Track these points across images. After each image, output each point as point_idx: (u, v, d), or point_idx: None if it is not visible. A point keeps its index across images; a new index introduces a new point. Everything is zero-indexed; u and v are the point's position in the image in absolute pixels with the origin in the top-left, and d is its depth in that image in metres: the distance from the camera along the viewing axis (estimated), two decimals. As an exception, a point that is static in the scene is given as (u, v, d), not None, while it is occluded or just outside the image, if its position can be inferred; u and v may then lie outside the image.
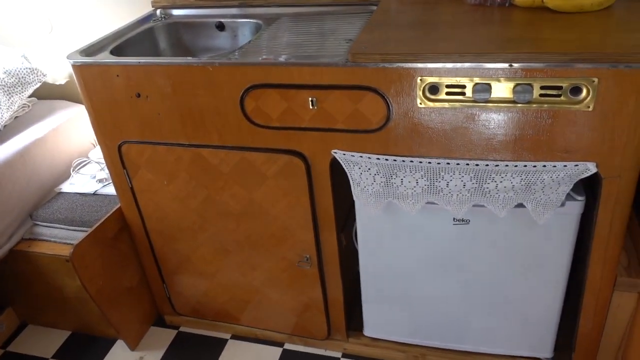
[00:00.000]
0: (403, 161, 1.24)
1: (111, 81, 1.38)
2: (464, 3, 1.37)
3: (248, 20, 1.64)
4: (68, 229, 1.67)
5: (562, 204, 1.22)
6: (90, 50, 1.47)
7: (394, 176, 1.27)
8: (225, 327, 1.82)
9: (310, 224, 1.43)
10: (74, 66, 1.39)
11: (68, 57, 1.40)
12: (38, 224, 1.74)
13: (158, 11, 1.76)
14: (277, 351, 1.74)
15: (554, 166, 1.15)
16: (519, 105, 1.10)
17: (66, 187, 1.85)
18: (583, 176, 1.14)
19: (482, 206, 1.25)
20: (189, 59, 1.31)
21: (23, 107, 2.04)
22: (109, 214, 1.61)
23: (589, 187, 1.25)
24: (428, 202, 1.28)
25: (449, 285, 1.46)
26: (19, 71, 1.94)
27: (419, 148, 1.22)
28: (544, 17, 1.22)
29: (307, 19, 1.57)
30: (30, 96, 2.05)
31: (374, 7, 1.53)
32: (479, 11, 1.31)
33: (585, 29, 1.12)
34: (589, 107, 1.07)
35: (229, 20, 1.67)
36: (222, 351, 1.76)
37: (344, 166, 1.30)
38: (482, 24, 1.24)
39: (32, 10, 2.04)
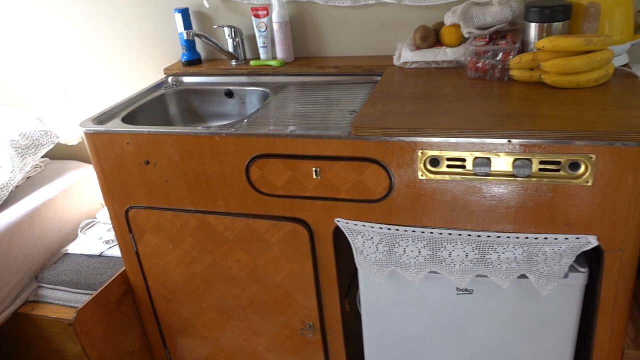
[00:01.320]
0: (405, 231, 1.25)
1: (121, 148, 1.42)
2: (464, 77, 1.42)
3: (256, 88, 1.70)
4: (72, 292, 1.67)
5: (566, 276, 1.21)
6: (103, 117, 1.52)
7: (396, 245, 1.27)
8: (227, 393, 1.79)
9: (313, 290, 1.43)
10: (87, 134, 1.44)
11: (81, 125, 1.45)
12: (43, 286, 1.75)
13: (169, 78, 1.82)
14: (279, 420, 1.70)
15: (555, 238, 1.15)
16: (519, 179, 1.12)
17: (73, 247, 1.86)
18: (584, 249, 1.15)
19: (485, 276, 1.25)
20: (198, 129, 1.35)
21: (35, 167, 2.08)
22: (113, 277, 1.62)
23: (594, 258, 1.25)
24: (431, 272, 1.29)
25: (453, 353, 1.43)
26: (33, 133, 2.00)
27: (422, 218, 1.24)
28: (542, 92, 1.26)
29: (312, 88, 1.62)
30: (42, 156, 2.11)
31: (378, 78, 1.58)
32: (479, 85, 1.36)
33: (582, 106, 1.15)
34: (587, 182, 1.08)
35: (237, 87, 1.73)
36: (222, 419, 1.72)
37: (347, 235, 1.31)
38: (481, 98, 1.27)
39: (49, 74, 2.13)
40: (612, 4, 1.30)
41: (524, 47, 1.38)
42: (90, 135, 1.44)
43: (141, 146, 1.40)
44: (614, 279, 1.18)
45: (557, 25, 1.31)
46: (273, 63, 1.72)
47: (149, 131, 1.38)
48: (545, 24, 1.31)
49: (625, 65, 1.37)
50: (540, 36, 1.32)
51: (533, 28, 1.34)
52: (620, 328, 1.24)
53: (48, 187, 1.98)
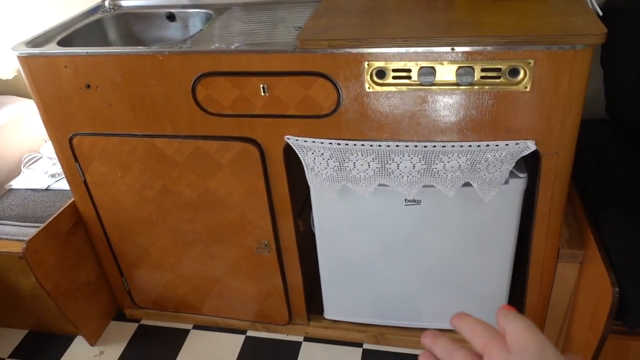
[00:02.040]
0: (354, 145, 1.27)
1: (59, 72, 1.36)
2: (409, -10, 1.41)
3: (199, 10, 1.64)
4: (20, 226, 1.64)
5: (506, 182, 1.27)
6: (37, 41, 1.44)
7: (346, 160, 1.30)
8: (187, 317, 1.83)
9: (267, 210, 1.45)
10: (20, 57, 1.36)
11: (13, 49, 1.37)
12: (-12, 222, 1.70)
13: (107, 2, 1.73)
14: (240, 339, 1.76)
15: (497, 145, 1.20)
16: (462, 87, 1.15)
17: (17, 183, 1.81)
18: (524, 154, 1.20)
19: (432, 186, 1.30)
20: (139, 48, 1.30)
21: (-31, 102, 1.98)
22: (62, 209, 1.59)
23: (533, 165, 1.31)
24: (380, 185, 1.32)
25: (404, 265, 1.50)
26: (-38, 66, 1.88)
27: (370, 132, 1.26)
28: (484, 3, 1.26)
29: (257, 8, 1.58)
30: (-25, 92, 2.00)
31: (324, -4, 1.55)
32: (424, -2, 1.35)
33: (523, 14, 1.18)
34: (526, 87, 1.12)
35: (179, 10, 1.66)
36: (184, 341, 1.77)
37: (297, 151, 1.32)
38: (425, 10, 1.27)
39: (-26, 3, 1.98)
40: None
41: (468, -41, 1.37)
42: (24, 59, 1.36)
43: (80, 69, 1.34)
44: (550, 181, 1.25)
45: None
46: (215, -18, 1.65)
47: (87, 52, 1.32)
48: None
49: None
50: (483, -54, 1.32)
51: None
52: (555, 229, 1.33)
53: (-17, 122, 1.89)
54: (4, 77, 2.12)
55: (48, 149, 1.94)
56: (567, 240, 1.38)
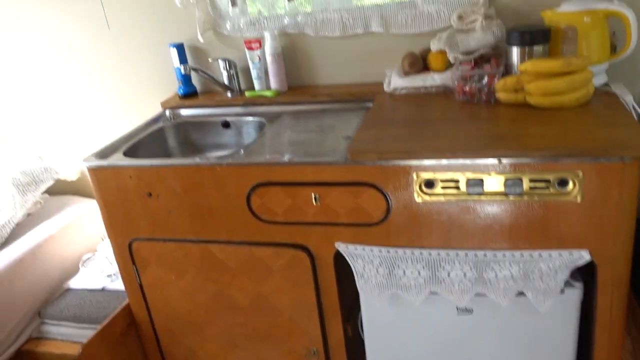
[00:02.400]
0: (404, 253, 1.29)
1: (124, 182, 1.46)
2: (452, 100, 1.47)
3: (252, 118, 1.74)
4: (76, 327, 1.68)
5: (562, 291, 1.25)
6: (105, 152, 1.56)
7: (396, 267, 1.31)
8: (233, 422, 1.79)
9: (316, 316, 1.46)
10: (90, 169, 1.47)
11: (85, 160, 1.49)
12: (46, 322, 1.76)
13: (167, 112, 1.87)
14: None
15: (550, 255, 1.19)
16: (511, 197, 1.16)
17: (75, 282, 1.88)
18: (578, 264, 1.18)
19: (484, 295, 1.28)
20: (198, 160, 1.39)
21: (36, 203, 2.11)
22: (117, 311, 1.63)
23: (588, 273, 1.29)
24: (431, 292, 1.31)
25: (457, 373, 1.45)
26: (33, 170, 2.03)
27: (419, 239, 1.27)
28: (527, 113, 1.31)
29: (306, 116, 1.67)
30: (42, 192, 2.13)
31: (370, 104, 1.63)
32: (467, 108, 1.41)
33: (566, 125, 1.21)
34: (576, 198, 1.13)
35: (233, 118, 1.78)
36: None
37: (347, 259, 1.35)
38: (470, 121, 1.32)
39: (47, 112, 2.16)
40: (588, 27, 1.36)
41: (507, 70, 1.44)
42: (93, 170, 1.47)
43: (143, 179, 1.43)
44: (608, 291, 1.21)
45: (537, 48, 1.37)
46: (267, 93, 1.77)
47: (151, 164, 1.42)
48: (527, 48, 1.38)
49: (605, 84, 1.42)
50: (522, 59, 1.38)
51: (515, 51, 1.40)
52: (618, 341, 1.27)
53: (48, 223, 2.00)
54: (68, 179, 2.27)
55: (105, 247, 2.03)
56: (632, 353, 1.32)
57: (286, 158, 1.32)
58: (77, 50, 2.00)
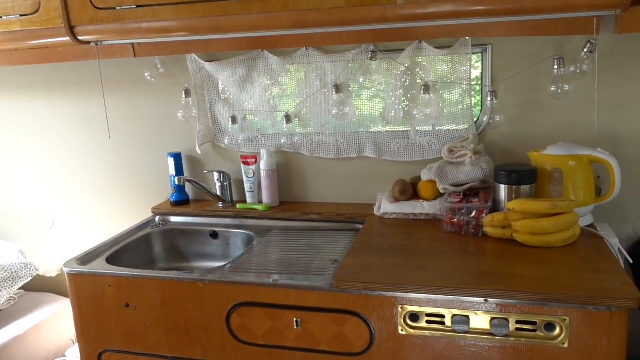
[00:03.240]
0: (386, 388, 1.23)
1: (103, 290, 1.42)
2: (440, 230, 1.49)
3: (241, 231, 1.75)
4: None
5: None
6: (88, 257, 1.53)
7: (377, 403, 1.24)
8: None
9: None
10: (69, 274, 1.44)
11: (65, 265, 1.46)
12: None
13: (157, 217, 1.87)
14: None
15: (537, 402, 1.14)
16: (497, 337, 1.14)
17: (36, 390, 1.76)
18: (567, 414, 1.13)
19: None
20: (182, 275, 1.37)
21: (9, 300, 2.04)
22: None
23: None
24: None
25: None
26: (12, 266, 1.98)
27: (402, 375, 1.22)
28: (514, 250, 1.32)
29: (296, 233, 1.67)
30: (19, 288, 2.07)
31: (359, 226, 1.65)
32: (455, 240, 1.42)
33: (553, 267, 1.21)
34: (564, 343, 1.10)
35: (223, 229, 1.78)
36: None
37: (326, 390, 1.28)
38: (458, 254, 1.33)
39: (35, 206, 2.16)
40: (574, 170, 1.42)
41: (495, 206, 1.47)
42: (72, 276, 1.44)
43: (123, 289, 1.40)
44: None
45: (524, 187, 1.41)
46: (259, 207, 1.79)
47: (132, 274, 1.39)
48: (514, 187, 1.42)
49: (590, 225, 1.45)
50: (510, 197, 1.42)
51: (503, 189, 1.44)
52: None
53: (19, 322, 1.92)
54: (47, 275, 2.22)
55: (75, 353, 1.93)
56: None
57: (271, 279, 1.31)
58: (72, 151, 2.04)
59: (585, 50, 1.44)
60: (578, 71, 1.49)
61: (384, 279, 1.21)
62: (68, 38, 1.49)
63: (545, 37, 1.49)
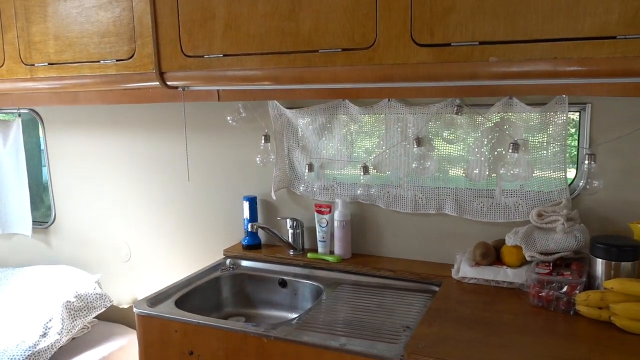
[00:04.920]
0: None
1: (169, 334, 1.41)
2: (525, 302, 1.36)
3: (309, 282, 1.70)
4: None
5: None
6: (158, 298, 1.54)
7: None
8: None
9: None
10: (139, 316, 1.45)
11: (135, 306, 1.47)
12: None
13: (228, 260, 1.87)
14: None
15: None
16: None
17: None
18: None
19: None
20: (247, 327, 1.34)
21: (83, 329, 2.09)
22: None
23: None
24: None
25: None
26: (88, 296, 2.04)
27: None
28: (612, 335, 1.17)
29: (366, 290, 1.60)
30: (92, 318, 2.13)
31: (434, 287, 1.55)
32: (542, 315, 1.29)
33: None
34: None
35: (292, 278, 1.74)
36: None
37: None
38: (545, 334, 1.20)
39: (115, 239, 2.23)
40: (685, 248, 1.26)
41: (590, 281, 1.33)
42: (141, 318, 1.45)
43: (189, 335, 1.39)
44: None
45: (625, 265, 1.27)
46: (330, 258, 1.74)
47: (198, 322, 1.37)
48: (613, 262, 1.28)
49: None
50: (608, 274, 1.28)
51: (600, 264, 1.30)
52: None
53: (90, 353, 1.96)
54: (120, 306, 2.27)
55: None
56: None
57: (338, 343, 1.24)
58: (155, 191, 2.10)
59: (701, 115, 1.30)
60: (690, 137, 1.35)
61: (461, 356, 1.11)
62: (157, 83, 1.54)
63: (654, 98, 1.36)
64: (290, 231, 1.83)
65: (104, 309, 2.08)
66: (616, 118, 1.42)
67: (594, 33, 1.09)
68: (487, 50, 1.18)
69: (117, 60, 1.58)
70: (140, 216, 2.16)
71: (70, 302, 1.98)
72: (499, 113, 1.52)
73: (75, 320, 1.99)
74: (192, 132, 1.94)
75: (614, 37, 1.08)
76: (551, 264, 1.39)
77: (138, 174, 2.12)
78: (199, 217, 2.03)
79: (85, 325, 2.10)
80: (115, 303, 2.25)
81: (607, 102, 1.43)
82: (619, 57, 1.09)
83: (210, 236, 2.02)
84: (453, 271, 1.55)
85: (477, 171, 1.58)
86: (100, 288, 2.11)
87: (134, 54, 1.55)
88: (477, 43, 1.18)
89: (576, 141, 1.50)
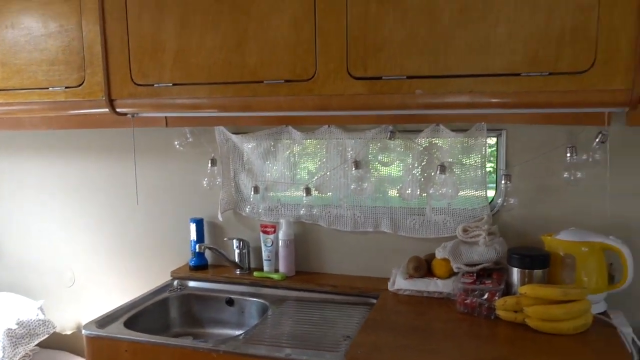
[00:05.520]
0: None
1: (119, 355, 1.45)
2: (453, 310, 1.50)
3: (256, 299, 1.77)
4: None
5: None
6: (107, 320, 1.57)
7: None
8: None
9: None
10: (87, 337, 1.48)
11: (84, 328, 1.50)
12: None
13: (175, 281, 1.91)
14: None
15: None
16: None
17: None
18: None
19: None
20: (196, 344, 1.40)
21: (24, 357, 2.06)
22: None
23: None
24: None
25: None
26: (30, 322, 2.02)
27: None
28: (526, 336, 1.32)
29: (310, 305, 1.69)
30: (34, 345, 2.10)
31: (372, 300, 1.66)
32: (467, 321, 1.43)
33: (564, 356, 1.21)
34: None
35: (238, 297, 1.81)
36: None
37: None
38: (470, 338, 1.33)
39: (58, 264, 2.22)
40: (586, 257, 1.44)
41: (508, 288, 1.48)
42: (90, 339, 1.48)
43: (138, 354, 1.43)
44: None
45: (537, 272, 1.43)
46: (275, 276, 1.82)
47: (148, 341, 1.42)
48: (527, 270, 1.44)
49: (604, 312, 1.45)
50: (522, 280, 1.44)
51: (515, 272, 1.46)
52: None
53: (32, 380, 1.94)
54: (64, 332, 2.25)
55: (83, 414, 1.93)
56: None
57: (283, 354, 1.32)
58: (101, 215, 2.13)
59: (597, 140, 1.49)
60: (590, 159, 1.54)
61: (395, 360, 1.22)
62: (107, 109, 1.59)
63: (558, 125, 1.55)
64: (237, 251, 1.90)
65: (47, 336, 2.06)
66: (528, 143, 1.61)
67: (502, 70, 1.26)
68: (413, 83, 1.33)
69: (66, 88, 1.62)
70: (86, 240, 2.17)
71: (11, 329, 1.96)
72: (427, 138, 1.68)
73: (17, 347, 1.96)
74: (141, 156, 1.99)
75: (519, 74, 1.25)
76: (475, 274, 1.54)
77: (86, 197, 2.14)
78: (147, 239, 2.07)
79: (27, 353, 2.07)
80: (58, 329, 2.22)
81: (520, 129, 1.62)
82: (524, 92, 1.26)
83: (157, 258, 2.06)
84: (389, 284, 1.67)
85: (409, 191, 1.72)
86: (44, 314, 2.09)
87: (83, 82, 1.60)
88: (405, 77, 1.33)
89: (495, 163, 1.68)
